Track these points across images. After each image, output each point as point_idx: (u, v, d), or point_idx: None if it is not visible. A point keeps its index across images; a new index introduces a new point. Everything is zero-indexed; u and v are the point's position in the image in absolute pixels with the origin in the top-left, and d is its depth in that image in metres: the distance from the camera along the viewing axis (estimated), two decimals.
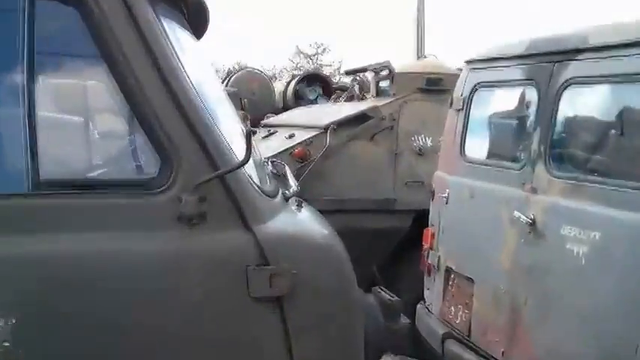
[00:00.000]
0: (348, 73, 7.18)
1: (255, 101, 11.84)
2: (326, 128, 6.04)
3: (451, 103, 4.77)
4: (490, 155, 4.46)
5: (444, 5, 44.12)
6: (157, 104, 2.09)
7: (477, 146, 4.58)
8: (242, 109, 9.90)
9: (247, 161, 2.08)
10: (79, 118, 2.46)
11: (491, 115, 4.55)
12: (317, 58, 31.92)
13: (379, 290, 3.13)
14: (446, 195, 4.67)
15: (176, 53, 2.17)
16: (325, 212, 5.58)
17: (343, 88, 8.73)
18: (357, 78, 7.54)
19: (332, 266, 2.41)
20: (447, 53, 9.49)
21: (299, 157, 5.87)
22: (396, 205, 6.10)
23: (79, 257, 2.03)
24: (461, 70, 6.60)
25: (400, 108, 6.30)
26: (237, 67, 22.13)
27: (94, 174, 2.28)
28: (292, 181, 3.14)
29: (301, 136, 6.17)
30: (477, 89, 4.50)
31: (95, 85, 2.38)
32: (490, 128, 4.58)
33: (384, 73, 6.69)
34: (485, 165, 4.36)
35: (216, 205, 2.12)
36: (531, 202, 3.77)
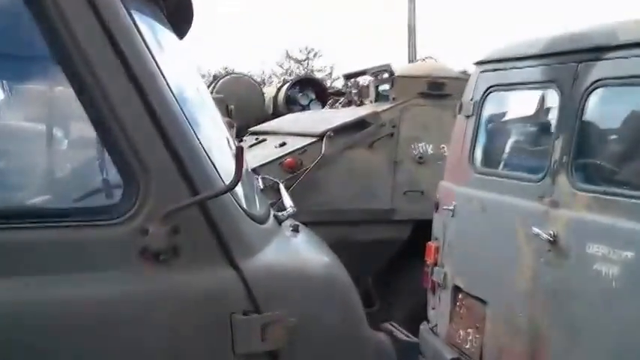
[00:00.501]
0: (347, 77, 6.75)
1: (243, 107, 11.38)
2: (322, 136, 5.60)
3: (460, 109, 4.33)
4: (504, 165, 4.04)
5: (435, 8, 43.73)
6: (122, 111, 1.64)
7: (489, 155, 4.16)
8: (228, 115, 9.51)
9: (236, 185, 1.64)
10: (22, 128, 1.98)
11: (505, 120, 4.14)
12: (308, 63, 31.44)
13: (393, 327, 2.67)
14: (452, 207, 4.24)
15: (150, 52, 1.73)
16: (318, 224, 5.22)
17: (339, 94, 8.29)
18: (351, 83, 7.13)
19: (337, 305, 1.99)
20: (443, 57, 9.01)
21: (289, 168, 5.43)
22: (395, 215, 5.66)
23: (13, 307, 1.54)
24: (464, 73, 6.23)
25: (401, 114, 5.88)
26: (223, 72, 21.51)
27: (36, 200, 1.78)
28: (288, 201, 2.70)
29: (294, 144, 5.73)
30: (489, 93, 4.07)
31: (46, 90, 1.92)
32: (504, 135, 4.16)
33: (384, 76, 6.27)
34: (499, 176, 3.93)
35: (193, 237, 1.67)
36: (552, 217, 3.35)
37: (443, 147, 5.79)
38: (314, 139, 5.65)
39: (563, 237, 3.25)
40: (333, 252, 2.41)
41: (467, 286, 4.08)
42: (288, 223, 2.32)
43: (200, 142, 1.76)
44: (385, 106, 5.99)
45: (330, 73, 27.21)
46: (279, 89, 12.72)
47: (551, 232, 3.29)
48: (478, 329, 3.92)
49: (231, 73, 12.29)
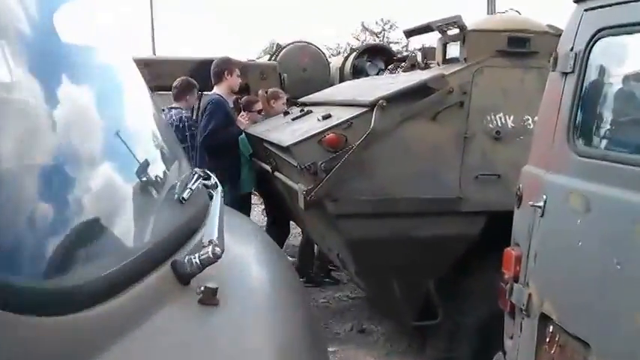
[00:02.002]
0: (408, 33, 5.37)
1: (306, 78, 10.19)
2: (372, 105, 4.31)
3: (554, 63, 2.97)
4: (620, 145, 2.66)
5: None
6: None
7: (598, 130, 2.79)
8: (281, 85, 8.32)
9: None
10: None
11: (623, 79, 2.74)
12: (384, 35, 29.58)
13: None
14: (541, 203, 2.91)
15: None
16: (368, 216, 3.93)
17: (403, 59, 6.93)
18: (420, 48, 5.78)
19: None
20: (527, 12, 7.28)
21: (331, 146, 4.17)
22: (463, 205, 4.32)
23: None
24: (554, 28, 4.80)
25: (473, 77, 4.51)
26: None
27: None
28: (213, 228, 1.47)
29: (339, 116, 4.47)
30: (598, 38, 2.68)
31: None
32: (621, 101, 2.77)
33: (453, 32, 4.91)
34: (612, 160, 2.56)
35: None
36: None
37: (527, 119, 4.42)
38: (363, 110, 4.37)
39: None
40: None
41: (561, 317, 2.75)
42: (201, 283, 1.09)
43: None
44: (454, 68, 4.65)
45: (406, 46, 25.50)
46: (346, 58, 11.44)
47: None
48: None
49: (296, 42, 11.05)
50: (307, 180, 4.22)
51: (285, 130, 4.95)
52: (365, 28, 29.81)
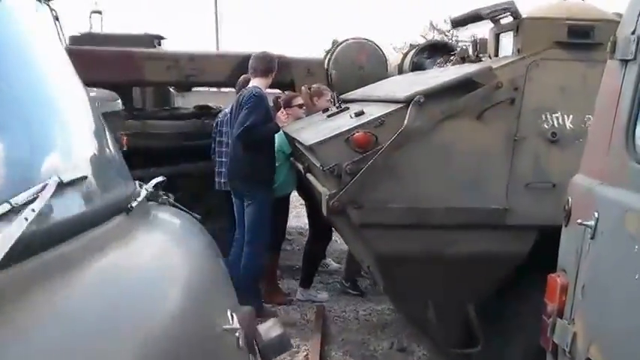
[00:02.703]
0: (455, 23, 4.74)
1: (363, 76, 9.63)
2: (408, 101, 3.75)
3: (612, 49, 2.36)
4: None
5: None
6: None
7: None
8: (328, 82, 7.79)
9: None
10: None
11: None
12: (452, 34, 28.46)
13: None
14: (592, 222, 2.31)
15: None
16: (398, 228, 3.40)
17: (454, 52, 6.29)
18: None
19: None
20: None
21: (359, 145, 3.64)
22: (510, 218, 3.71)
23: None
24: (621, 16, 4.11)
25: (528, 71, 3.89)
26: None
27: None
28: None
29: (372, 113, 3.93)
30: None
31: None
32: None
33: (507, 21, 4.29)
34: None
35: None
36: None
37: (588, 119, 3.76)
38: (398, 107, 3.82)
39: None
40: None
41: None
42: None
43: None
44: (506, 60, 4.03)
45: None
46: (405, 55, 10.82)
47: None
48: None
49: (353, 39, 10.48)
50: (331, 183, 3.71)
51: (315, 128, 4.45)
52: (433, 27, 28.87)
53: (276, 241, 6.32)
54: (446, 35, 28.66)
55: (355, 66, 9.89)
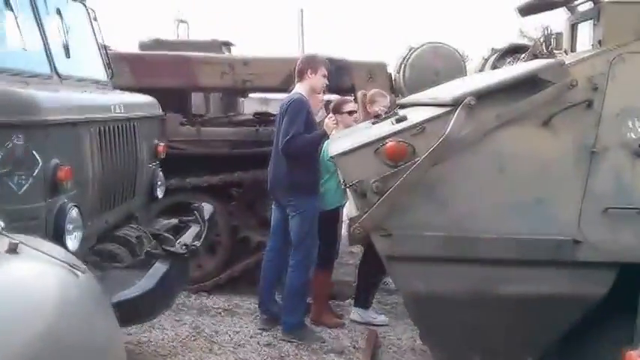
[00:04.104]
0: (522, 11, 3.77)
1: (439, 81, 8.76)
2: (456, 104, 2.92)
3: None
4: None
5: None
6: None
7: None
8: (390, 86, 6.96)
9: None
10: None
11: None
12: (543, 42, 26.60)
13: None
14: None
15: None
16: (436, 262, 2.58)
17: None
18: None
19: None
20: None
21: (392, 157, 2.84)
22: (583, 251, 2.80)
23: None
24: None
25: (610, 67, 2.99)
26: None
27: None
28: None
29: (416, 118, 3.11)
30: None
31: None
32: None
33: (585, 7, 3.37)
34: None
35: None
36: None
37: None
38: (443, 110, 2.99)
39: None
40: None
41: None
42: None
43: None
44: (583, 54, 3.12)
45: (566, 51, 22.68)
46: (485, 61, 9.85)
47: None
48: None
49: (429, 43, 9.59)
50: (356, 203, 2.92)
51: (350, 137, 3.67)
52: (523, 35, 27.21)
53: (329, 257, 5.55)
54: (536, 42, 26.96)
55: (430, 71, 8.99)
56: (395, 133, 2.93)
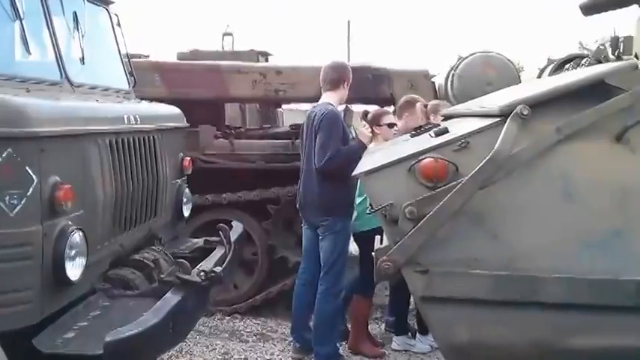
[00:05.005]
0: (585, 9, 3.20)
1: (491, 92, 8.20)
2: (505, 114, 2.41)
3: None
4: None
5: None
6: None
7: None
8: (435, 95, 6.44)
9: None
10: None
11: None
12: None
13: None
14: None
15: None
16: (485, 306, 2.07)
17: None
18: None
19: None
20: None
21: (428, 177, 2.35)
22: None
23: None
24: None
25: None
26: None
27: None
28: None
29: (459, 130, 2.62)
30: None
31: None
32: None
33: None
34: None
35: None
36: None
37: None
38: (491, 122, 2.48)
39: None
40: None
41: None
42: None
43: None
44: None
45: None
46: (542, 70, 9.21)
47: None
48: None
49: (479, 52, 9.02)
50: (386, 232, 2.44)
51: (383, 152, 3.18)
52: (583, 47, 26.13)
53: (368, 281, 5.05)
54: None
55: (482, 81, 8.41)
56: (432, 149, 2.44)
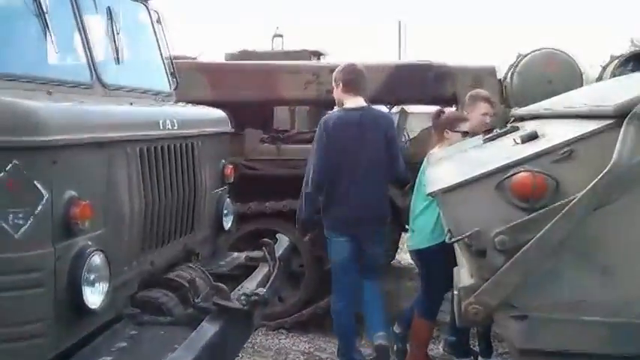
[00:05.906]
0: None
1: (552, 91, 7.57)
2: (621, 115, 1.85)
3: None
4: None
5: None
6: None
7: None
8: (501, 95, 5.88)
9: None
10: None
11: None
12: None
13: None
14: None
15: None
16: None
17: None
18: None
19: None
20: None
21: (523, 196, 1.80)
22: None
23: None
24: None
25: None
26: None
27: None
28: None
29: (552, 137, 2.06)
30: None
31: None
32: None
33: None
34: None
35: None
36: None
37: None
38: (601, 125, 1.92)
39: None
40: None
41: None
42: None
43: None
44: None
45: None
46: (604, 68, 8.55)
47: None
48: None
49: (540, 49, 8.42)
50: (470, 266, 1.90)
51: (454, 160, 2.63)
52: (634, 44, 24.93)
53: (428, 305, 4.47)
54: None
55: (543, 79, 7.77)
56: (526, 160, 1.89)
